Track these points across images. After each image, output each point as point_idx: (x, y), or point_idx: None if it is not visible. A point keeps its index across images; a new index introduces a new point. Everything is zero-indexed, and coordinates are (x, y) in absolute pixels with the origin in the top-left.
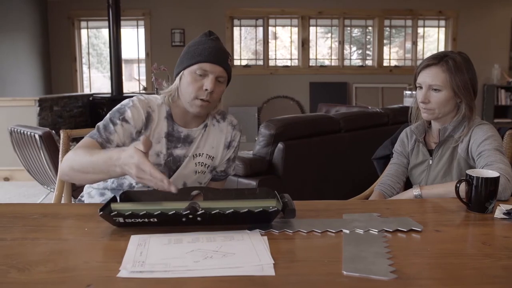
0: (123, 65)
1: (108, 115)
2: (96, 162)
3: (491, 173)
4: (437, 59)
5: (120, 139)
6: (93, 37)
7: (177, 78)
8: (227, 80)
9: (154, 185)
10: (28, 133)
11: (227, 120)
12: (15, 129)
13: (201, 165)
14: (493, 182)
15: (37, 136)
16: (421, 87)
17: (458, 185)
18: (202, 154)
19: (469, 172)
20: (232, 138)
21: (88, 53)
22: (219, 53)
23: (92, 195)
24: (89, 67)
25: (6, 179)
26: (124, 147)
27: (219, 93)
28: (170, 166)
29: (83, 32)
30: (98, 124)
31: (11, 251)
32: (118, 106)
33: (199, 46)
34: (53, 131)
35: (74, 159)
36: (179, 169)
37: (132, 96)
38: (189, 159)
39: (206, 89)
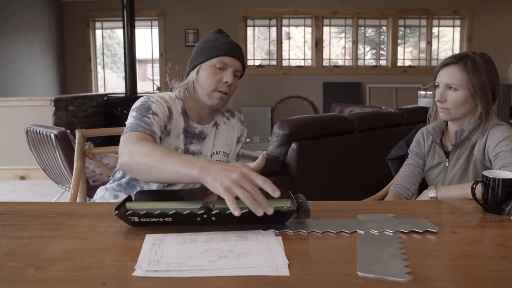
0: (137, 65)
1: (134, 114)
2: (174, 161)
3: (508, 174)
4: (457, 58)
5: (159, 130)
6: (107, 38)
7: (194, 72)
8: (240, 76)
9: (250, 201)
10: (44, 132)
11: (236, 117)
12: (31, 129)
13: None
14: (510, 183)
15: (52, 136)
16: (439, 86)
17: (474, 186)
18: (219, 152)
19: (486, 173)
20: (241, 133)
21: (103, 54)
22: (237, 48)
23: (106, 198)
24: (103, 67)
25: (22, 178)
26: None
27: (235, 86)
28: None
29: (98, 32)
30: (129, 122)
31: (28, 249)
32: (139, 104)
33: (217, 41)
34: (68, 131)
35: (147, 154)
36: None
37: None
38: (207, 159)
39: (226, 82)
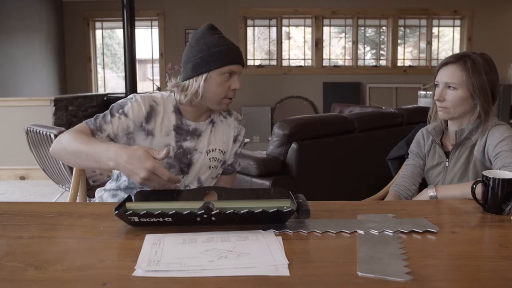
0: (137, 65)
1: (110, 106)
2: (92, 151)
3: (508, 174)
4: (456, 58)
5: (113, 130)
6: (107, 38)
7: (200, 79)
8: None
9: (161, 187)
10: (44, 132)
11: (233, 116)
12: (31, 129)
13: (215, 160)
14: (510, 183)
15: (52, 136)
16: (438, 85)
17: (474, 186)
18: (215, 149)
19: (486, 173)
20: (238, 133)
21: (103, 54)
22: (240, 53)
23: (104, 198)
24: (103, 67)
25: (22, 178)
26: (128, 146)
27: None
28: (181, 158)
29: (98, 32)
30: (97, 114)
31: (28, 249)
32: (119, 101)
33: (222, 47)
34: None
35: (69, 142)
36: (193, 165)
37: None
38: (203, 156)
39: (235, 88)
